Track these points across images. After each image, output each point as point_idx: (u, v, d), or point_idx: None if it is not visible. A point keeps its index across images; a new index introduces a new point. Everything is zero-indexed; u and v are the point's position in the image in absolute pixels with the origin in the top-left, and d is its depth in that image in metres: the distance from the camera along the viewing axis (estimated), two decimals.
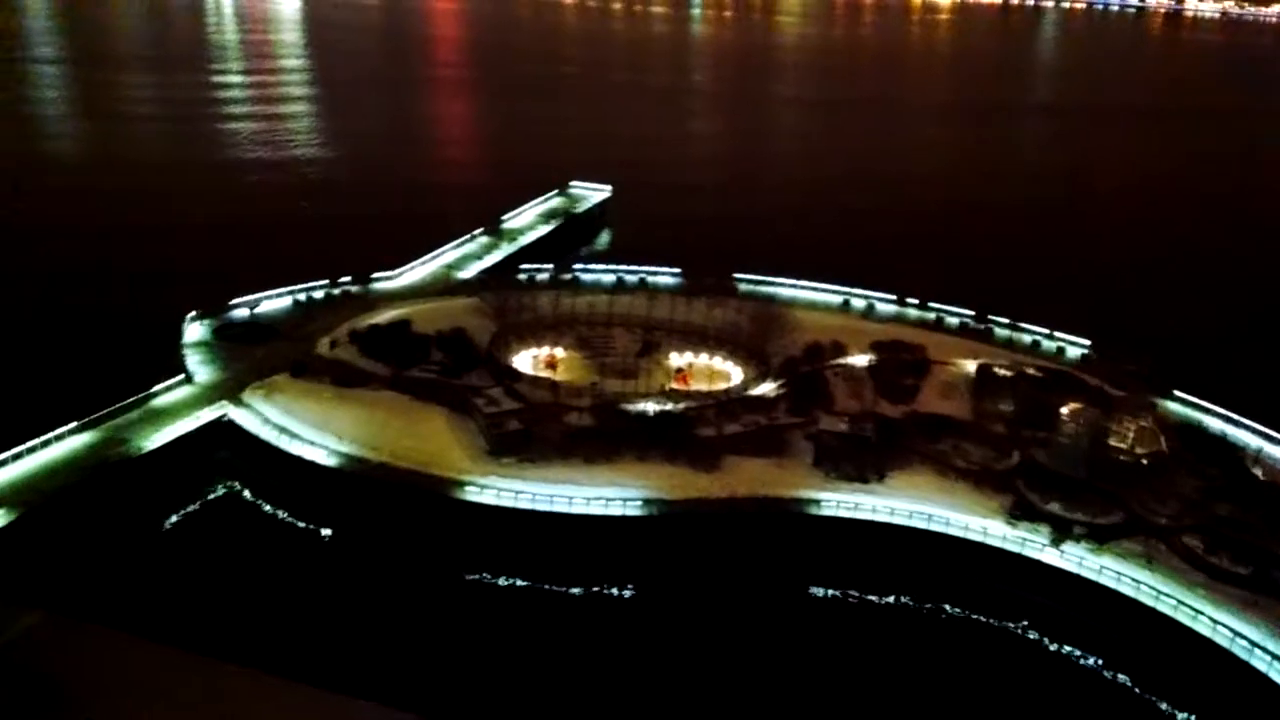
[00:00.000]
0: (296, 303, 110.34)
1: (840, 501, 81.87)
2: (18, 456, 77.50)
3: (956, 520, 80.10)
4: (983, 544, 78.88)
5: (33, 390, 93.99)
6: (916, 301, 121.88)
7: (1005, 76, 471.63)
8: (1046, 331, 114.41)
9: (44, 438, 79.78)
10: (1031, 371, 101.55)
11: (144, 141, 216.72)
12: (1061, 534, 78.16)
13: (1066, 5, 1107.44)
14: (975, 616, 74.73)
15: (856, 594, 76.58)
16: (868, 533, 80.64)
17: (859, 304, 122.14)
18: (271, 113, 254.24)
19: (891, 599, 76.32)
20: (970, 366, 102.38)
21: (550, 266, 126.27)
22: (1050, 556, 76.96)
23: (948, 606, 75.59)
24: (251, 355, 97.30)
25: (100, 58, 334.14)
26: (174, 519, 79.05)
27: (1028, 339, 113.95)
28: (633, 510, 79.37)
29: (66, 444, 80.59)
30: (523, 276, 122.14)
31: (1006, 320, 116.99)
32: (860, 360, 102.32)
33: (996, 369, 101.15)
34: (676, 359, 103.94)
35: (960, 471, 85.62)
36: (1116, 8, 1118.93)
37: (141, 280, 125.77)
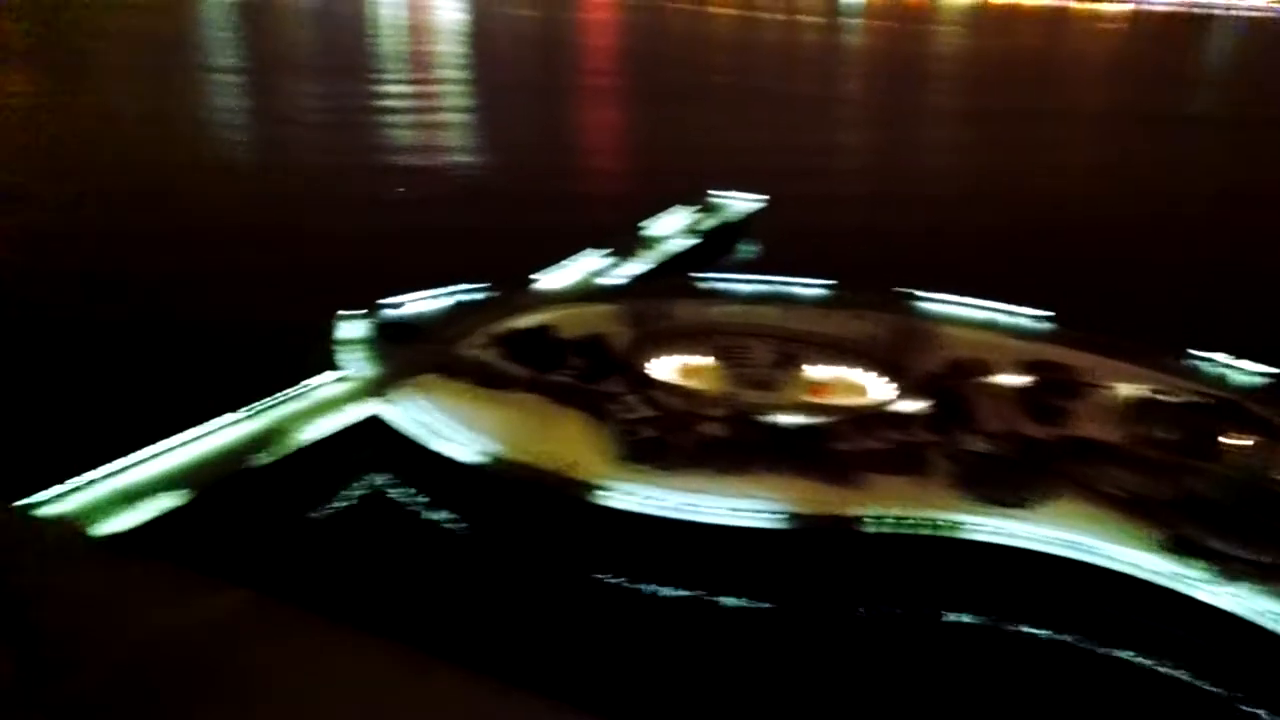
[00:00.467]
0: (444, 305, 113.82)
1: (981, 524, 79.18)
2: (188, 442, 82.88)
3: (1106, 550, 76.35)
4: (1134, 577, 74.96)
5: (200, 382, 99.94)
6: (1070, 320, 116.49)
7: (1172, 85, 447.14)
8: (1213, 356, 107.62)
9: (209, 426, 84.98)
10: (1194, 398, 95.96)
11: (305, 148, 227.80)
12: (1221, 570, 73.48)
13: (1243, 14, 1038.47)
14: (1123, 653, 71.08)
15: (995, 621, 73.91)
16: (1010, 559, 77.71)
17: (1008, 321, 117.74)
18: (428, 121, 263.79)
19: (1032, 630, 73.34)
20: (1127, 390, 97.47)
21: (691, 275, 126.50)
22: (1208, 594, 72.49)
23: (1093, 642, 72.14)
24: (401, 354, 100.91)
25: (270, 66, 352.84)
26: (326, 508, 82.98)
27: (1192, 363, 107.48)
28: (765, 523, 78.73)
29: (230, 433, 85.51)
30: (663, 284, 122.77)
31: (1169, 342, 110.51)
32: (1008, 379, 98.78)
33: (1156, 394, 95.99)
34: (815, 372, 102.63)
35: (1112, 499, 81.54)
36: None
37: (300, 280, 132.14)
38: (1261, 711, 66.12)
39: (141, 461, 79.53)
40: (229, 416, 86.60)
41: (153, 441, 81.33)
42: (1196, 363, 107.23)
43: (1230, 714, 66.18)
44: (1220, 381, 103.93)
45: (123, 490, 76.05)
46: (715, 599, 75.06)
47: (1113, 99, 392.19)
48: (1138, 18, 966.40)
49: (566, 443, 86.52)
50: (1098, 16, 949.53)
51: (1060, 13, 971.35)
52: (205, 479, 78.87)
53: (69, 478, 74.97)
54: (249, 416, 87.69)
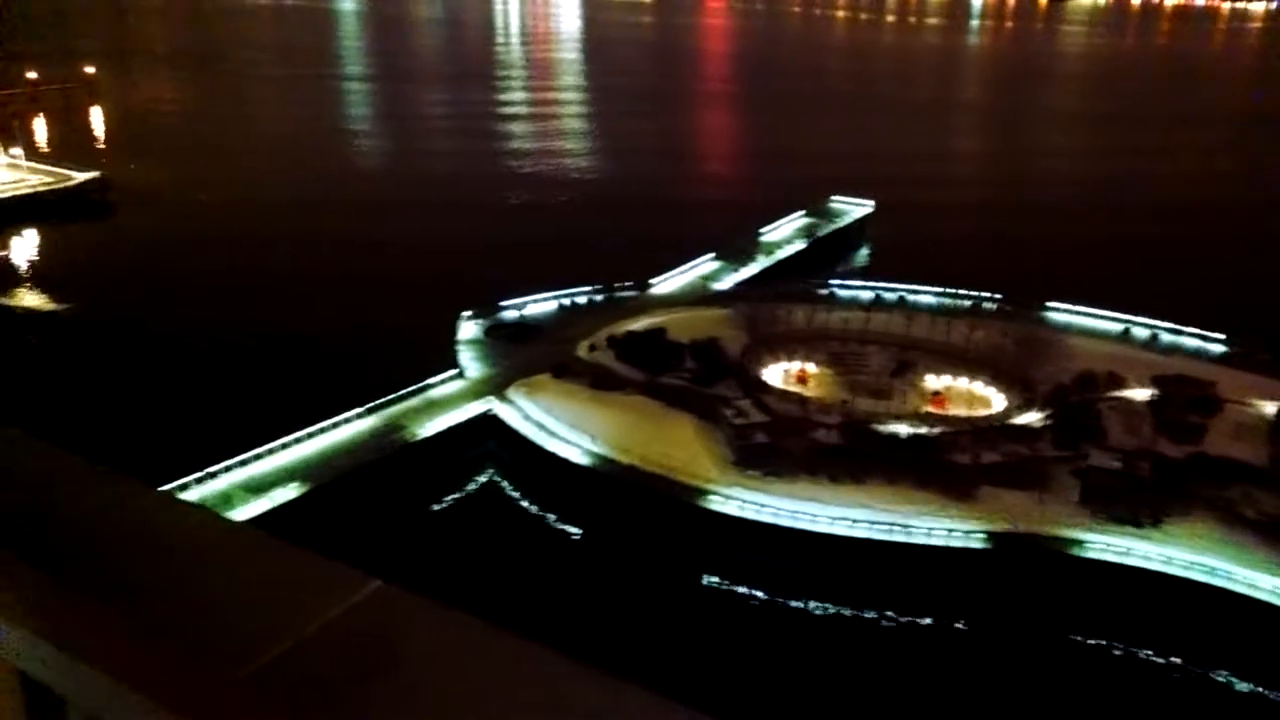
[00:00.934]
0: (561, 307, 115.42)
1: (1108, 544, 76.08)
2: (311, 436, 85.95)
3: (1242, 575, 72.45)
4: (1273, 605, 70.96)
5: (328, 379, 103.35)
6: (1209, 334, 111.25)
7: None
8: None
9: (332, 420, 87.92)
10: None
11: (430, 156, 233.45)
12: None
13: None
14: (1260, 688, 67.31)
15: (1121, 646, 70.93)
16: (1138, 581, 74.46)
17: (1141, 333, 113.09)
18: (549, 128, 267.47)
19: (1160, 658, 70.11)
20: (1270, 408, 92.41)
21: (806, 280, 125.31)
22: None
23: (1226, 673, 68.56)
24: (517, 354, 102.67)
25: (395, 73, 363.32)
26: (442, 501, 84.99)
27: None
28: (878, 534, 77.32)
29: (352, 427, 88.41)
30: (778, 289, 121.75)
31: None
32: (1140, 394, 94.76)
33: None
34: (933, 381, 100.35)
35: (1251, 523, 77.32)
36: None
37: (423, 283, 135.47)
38: None
39: (269, 453, 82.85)
40: (352, 411, 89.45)
41: (279, 435, 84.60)
42: None
43: None
44: None
45: (250, 480, 79.55)
46: (824, 607, 74.09)
47: (1247, 100, 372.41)
48: None
49: (678, 445, 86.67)
50: (1243, 15, 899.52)
51: (1208, 7, 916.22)
52: (328, 471, 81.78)
53: (205, 466, 78.82)
54: (371, 411, 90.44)
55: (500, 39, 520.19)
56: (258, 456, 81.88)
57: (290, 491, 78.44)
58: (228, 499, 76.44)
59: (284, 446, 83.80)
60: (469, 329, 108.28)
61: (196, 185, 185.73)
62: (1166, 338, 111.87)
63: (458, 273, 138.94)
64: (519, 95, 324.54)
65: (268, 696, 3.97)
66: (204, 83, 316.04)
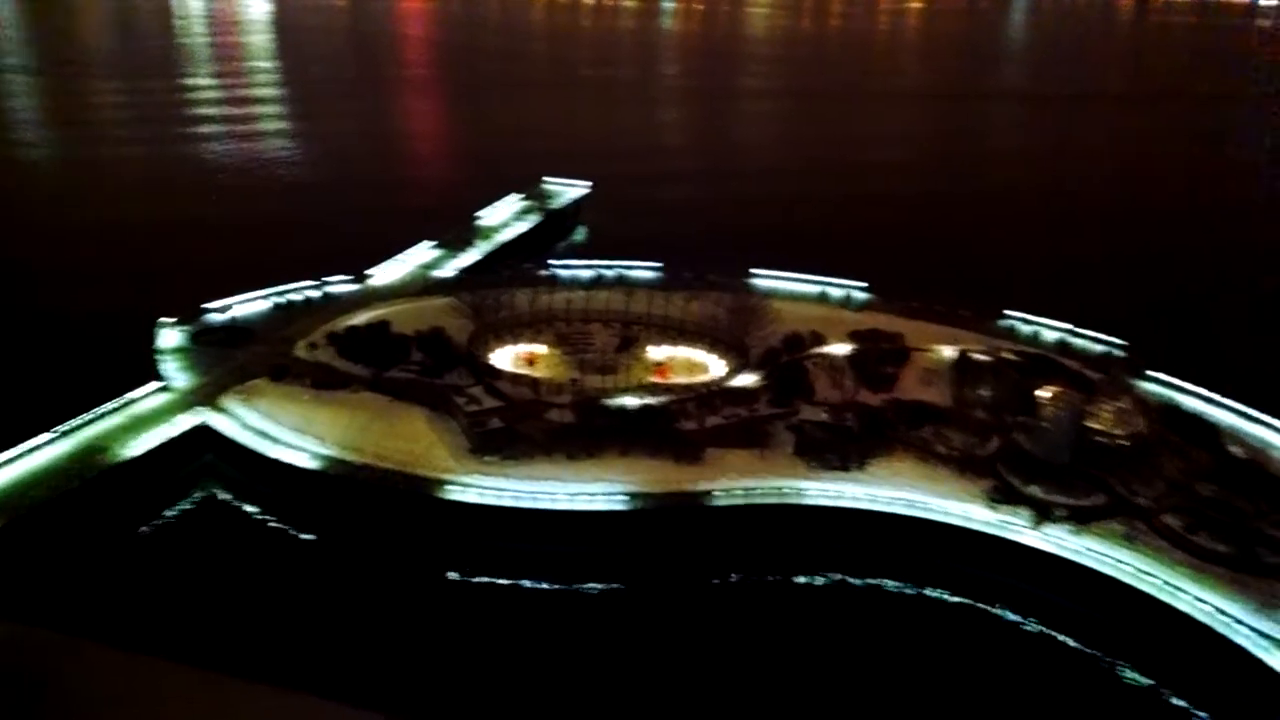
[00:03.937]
0: (274, 306, 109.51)
1: (822, 490, 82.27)
2: None
3: (937, 505, 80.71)
4: (964, 528, 79.53)
5: (4, 401, 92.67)
6: (892, 290, 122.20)
7: (973, 64, 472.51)
8: (1023, 316, 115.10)
9: (19, 449, 78.92)
10: (1010, 356, 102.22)
11: (110, 147, 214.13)
12: (1042, 516, 78.84)
13: None
14: (958, 599, 75.32)
15: (840, 580, 77.00)
16: (850, 520, 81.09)
17: (836, 294, 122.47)
18: (241, 116, 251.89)
19: (875, 583, 76.79)
20: (949, 353, 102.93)
21: (526, 263, 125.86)
22: (1031, 539, 77.64)
23: (930, 590, 76.14)
24: (229, 359, 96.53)
25: (66, 64, 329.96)
26: (153, 526, 78.32)
27: (1005, 324, 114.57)
28: (616, 505, 79.40)
29: (42, 455, 79.59)
30: (499, 274, 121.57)
31: (983, 306, 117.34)
32: (839, 350, 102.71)
33: (975, 355, 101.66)
34: (655, 353, 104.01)
35: (941, 457, 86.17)
36: None
37: (114, 286, 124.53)
38: (1079, 643, 71.46)
39: None
40: (41, 437, 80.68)
41: None
42: (1011, 323, 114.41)
43: (1052, 647, 71.16)
44: (1030, 339, 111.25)
45: None
46: (572, 586, 75.23)
47: (917, 76, 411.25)
48: None
49: (412, 439, 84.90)
50: None
51: None
52: (19, 505, 73.45)
53: None
54: (63, 435, 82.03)
55: (180, 22, 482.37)
56: None
57: None
58: None
59: None
60: (172, 336, 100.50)
61: None
62: (858, 296, 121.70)
63: (152, 274, 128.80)
64: (208, 88, 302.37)
65: None
66: None
